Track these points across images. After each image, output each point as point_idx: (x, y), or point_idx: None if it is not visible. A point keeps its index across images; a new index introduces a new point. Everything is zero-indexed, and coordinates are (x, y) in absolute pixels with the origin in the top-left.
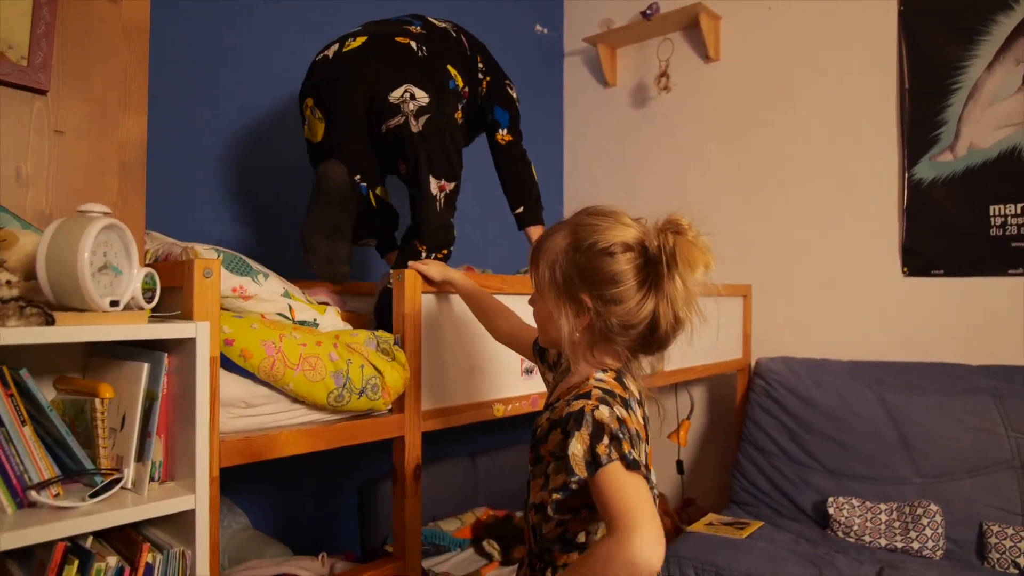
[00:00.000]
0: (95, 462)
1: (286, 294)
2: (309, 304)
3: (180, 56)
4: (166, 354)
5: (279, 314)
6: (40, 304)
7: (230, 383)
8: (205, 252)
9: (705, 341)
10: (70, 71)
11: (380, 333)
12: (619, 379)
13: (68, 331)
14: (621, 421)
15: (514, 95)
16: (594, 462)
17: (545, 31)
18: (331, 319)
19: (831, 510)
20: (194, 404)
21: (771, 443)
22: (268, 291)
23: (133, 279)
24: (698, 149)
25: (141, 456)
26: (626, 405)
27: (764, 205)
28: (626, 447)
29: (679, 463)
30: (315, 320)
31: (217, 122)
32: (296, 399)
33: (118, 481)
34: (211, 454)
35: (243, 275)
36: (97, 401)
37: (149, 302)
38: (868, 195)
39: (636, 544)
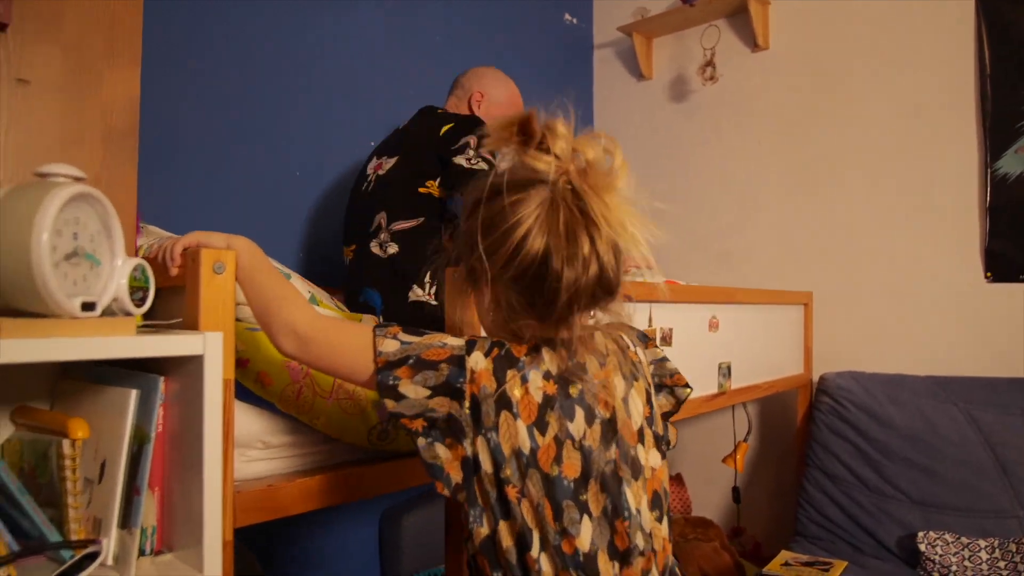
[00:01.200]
0: (62, 528)
1: (312, 299)
2: (340, 312)
3: (182, 13)
4: (162, 378)
5: None
6: None
7: (244, 416)
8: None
9: (763, 355)
10: (37, 4)
11: None
12: (536, 350)
13: (14, 347)
14: (460, 362)
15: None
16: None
17: (574, 21)
18: None
19: (923, 547)
20: (201, 445)
21: (843, 469)
22: None
23: (116, 273)
24: (745, 146)
25: (127, 520)
26: (514, 366)
27: (823, 206)
28: (417, 387)
29: (735, 490)
30: None
31: (225, 98)
32: (327, 436)
33: (94, 557)
34: (224, 512)
35: None
36: (66, 443)
37: (139, 305)
38: (943, 193)
39: (288, 342)
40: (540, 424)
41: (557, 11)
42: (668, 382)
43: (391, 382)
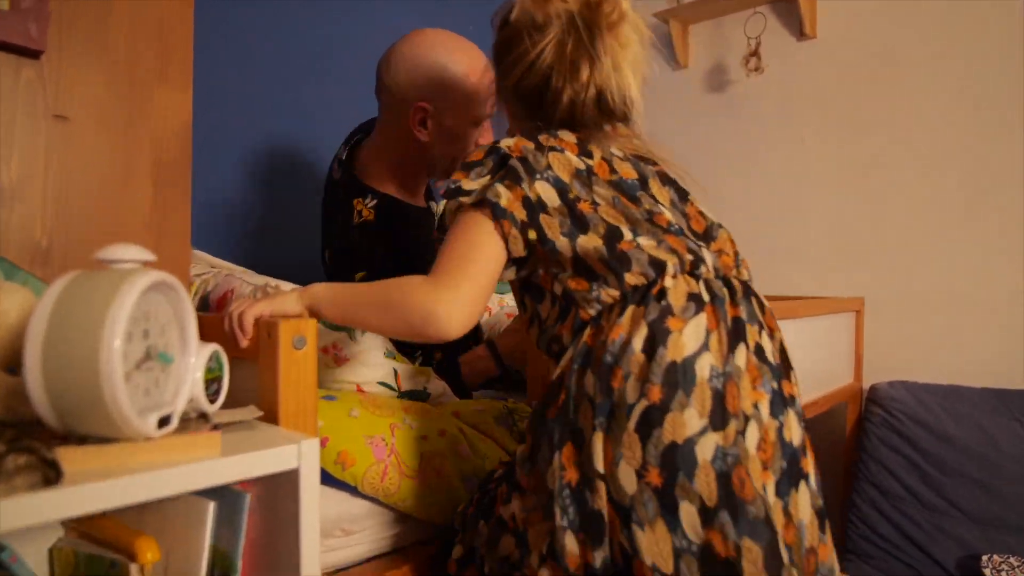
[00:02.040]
0: None
1: (389, 353)
2: (415, 366)
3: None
4: (248, 494)
5: (382, 383)
6: (31, 444)
7: (323, 503)
8: (284, 288)
9: (816, 368)
10: (77, 21)
11: (512, 403)
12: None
13: (85, 494)
14: (496, 149)
15: None
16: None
17: None
18: (438, 382)
19: (987, 571)
20: (297, 562)
21: (897, 484)
22: (368, 350)
23: (191, 369)
24: (790, 141)
25: None
26: (542, 131)
27: (874, 205)
28: (476, 180)
29: None
30: (424, 388)
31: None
32: (407, 514)
33: None
34: None
35: (336, 327)
36: (133, 569)
37: (214, 400)
38: (1005, 193)
39: (432, 300)
40: (584, 151)
41: None
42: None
43: (451, 186)
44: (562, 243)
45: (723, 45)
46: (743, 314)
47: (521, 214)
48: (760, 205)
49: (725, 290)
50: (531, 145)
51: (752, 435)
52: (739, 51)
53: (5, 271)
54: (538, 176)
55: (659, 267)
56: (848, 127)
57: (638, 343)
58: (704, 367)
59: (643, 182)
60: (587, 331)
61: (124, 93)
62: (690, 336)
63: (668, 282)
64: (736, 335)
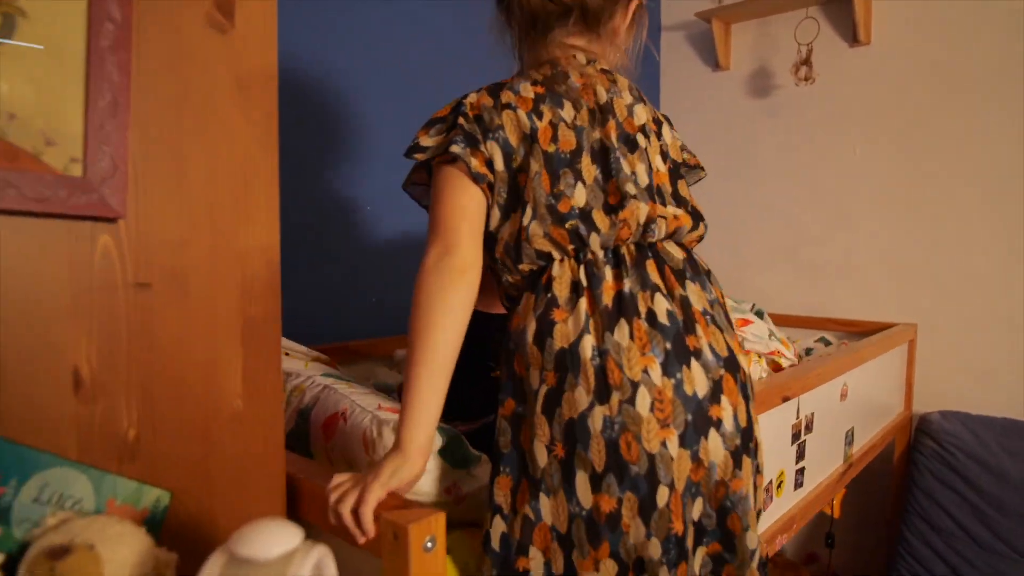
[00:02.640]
0: None
1: None
2: None
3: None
4: None
5: None
6: None
7: None
8: (387, 420)
9: (871, 404)
10: (154, 178)
11: None
12: (520, 74)
13: None
14: (459, 106)
15: None
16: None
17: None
18: None
19: None
20: None
21: (950, 521)
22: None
23: None
24: (839, 151)
25: None
26: (503, 86)
27: (928, 223)
28: (434, 137)
29: (829, 536)
30: None
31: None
32: None
33: None
34: None
35: (459, 467)
36: None
37: None
38: None
39: (427, 260)
40: (536, 111)
41: None
42: (690, 160)
43: (411, 145)
44: (494, 215)
45: (768, 47)
46: (629, 285)
47: (486, 175)
48: (805, 217)
49: (607, 268)
50: (490, 102)
51: (643, 399)
52: (785, 54)
53: (93, 481)
54: (490, 136)
55: (545, 256)
56: (902, 140)
57: (530, 335)
58: (587, 348)
59: (576, 154)
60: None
61: (207, 245)
62: (572, 324)
63: (555, 270)
64: (616, 312)
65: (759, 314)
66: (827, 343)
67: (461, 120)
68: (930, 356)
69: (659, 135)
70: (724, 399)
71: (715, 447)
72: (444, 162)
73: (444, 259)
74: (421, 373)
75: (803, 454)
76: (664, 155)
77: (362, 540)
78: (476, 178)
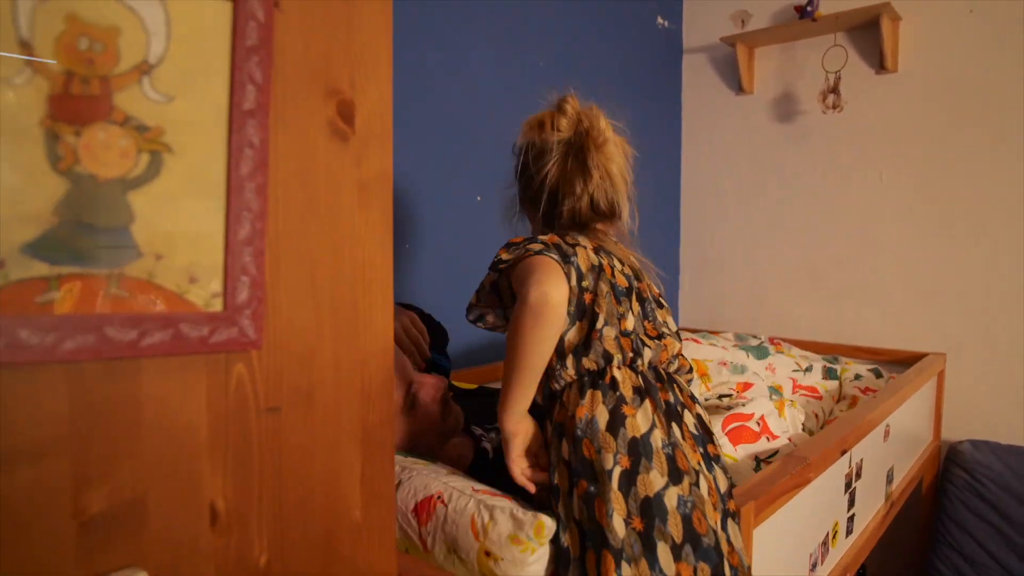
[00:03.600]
0: None
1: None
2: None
3: None
4: None
5: None
6: None
7: None
8: (494, 505)
9: (904, 436)
10: (285, 285)
11: None
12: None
13: None
14: (534, 239)
15: None
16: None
17: (666, 24)
18: None
19: None
20: None
21: (983, 553)
22: None
23: None
24: (865, 178)
25: None
26: (570, 245)
27: (955, 249)
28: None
29: (862, 569)
30: None
31: None
32: None
33: None
34: None
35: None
36: None
37: None
38: None
39: (524, 297)
40: (598, 252)
41: (651, 15)
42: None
43: (494, 260)
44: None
45: (793, 71)
46: (671, 398)
47: (573, 280)
48: (830, 242)
49: (656, 381)
50: (559, 240)
51: (704, 485)
52: (810, 79)
53: None
54: (569, 260)
55: (608, 358)
56: (928, 165)
57: (602, 423)
58: (657, 440)
59: (628, 292)
60: (556, 407)
61: (331, 356)
62: (641, 419)
63: (616, 374)
64: (670, 415)
65: (760, 351)
66: (879, 374)
67: (539, 244)
68: (957, 383)
69: (661, 304)
70: (733, 496)
71: (734, 535)
72: (532, 253)
73: (545, 293)
74: (523, 379)
75: (853, 501)
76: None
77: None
78: (566, 261)
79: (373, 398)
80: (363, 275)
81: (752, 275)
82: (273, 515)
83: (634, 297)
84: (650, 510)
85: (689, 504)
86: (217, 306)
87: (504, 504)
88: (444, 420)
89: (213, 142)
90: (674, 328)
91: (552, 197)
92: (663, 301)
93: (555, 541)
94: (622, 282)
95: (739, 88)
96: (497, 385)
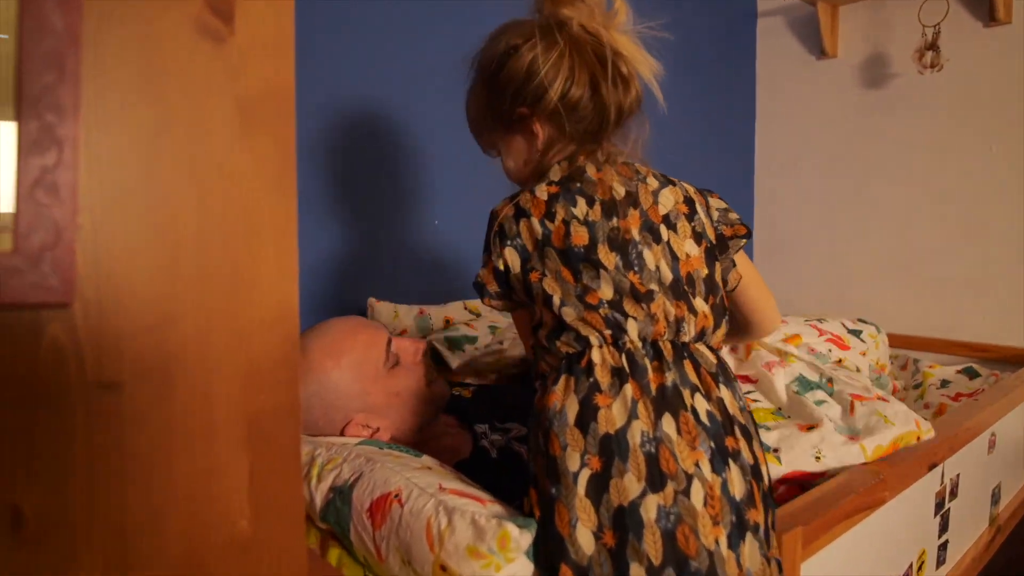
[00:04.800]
0: None
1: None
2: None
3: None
4: None
5: None
6: None
7: None
8: (456, 508)
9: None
10: (120, 227)
11: None
12: (541, 176)
13: None
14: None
15: None
16: None
17: None
18: None
19: None
20: None
21: None
22: None
23: None
24: (972, 150)
25: None
26: (524, 189)
27: None
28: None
29: None
30: None
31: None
32: None
33: None
34: None
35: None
36: None
37: None
38: None
39: None
40: (548, 214)
41: None
42: (728, 231)
43: (478, 287)
44: (535, 311)
45: (884, 30)
46: (671, 380)
47: (493, 286)
48: (927, 225)
49: (647, 360)
50: (511, 211)
51: (697, 493)
52: (904, 36)
53: None
54: (508, 242)
55: (583, 341)
56: None
57: (571, 415)
58: (635, 434)
59: (591, 247)
60: (538, 392)
61: (196, 323)
62: (618, 410)
63: (595, 355)
64: (662, 402)
65: (856, 333)
66: (973, 374)
67: (492, 237)
68: None
69: (691, 216)
70: (759, 504)
71: (751, 552)
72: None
73: None
74: None
75: (947, 525)
76: (698, 236)
77: None
78: (483, 294)
79: (264, 380)
80: (245, 223)
81: (831, 262)
82: (110, 527)
83: (603, 246)
84: (623, 522)
85: (672, 517)
86: (3, 244)
87: (468, 507)
88: (429, 384)
89: None
90: (671, 277)
91: (589, 102)
92: (675, 222)
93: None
94: (579, 239)
95: (820, 52)
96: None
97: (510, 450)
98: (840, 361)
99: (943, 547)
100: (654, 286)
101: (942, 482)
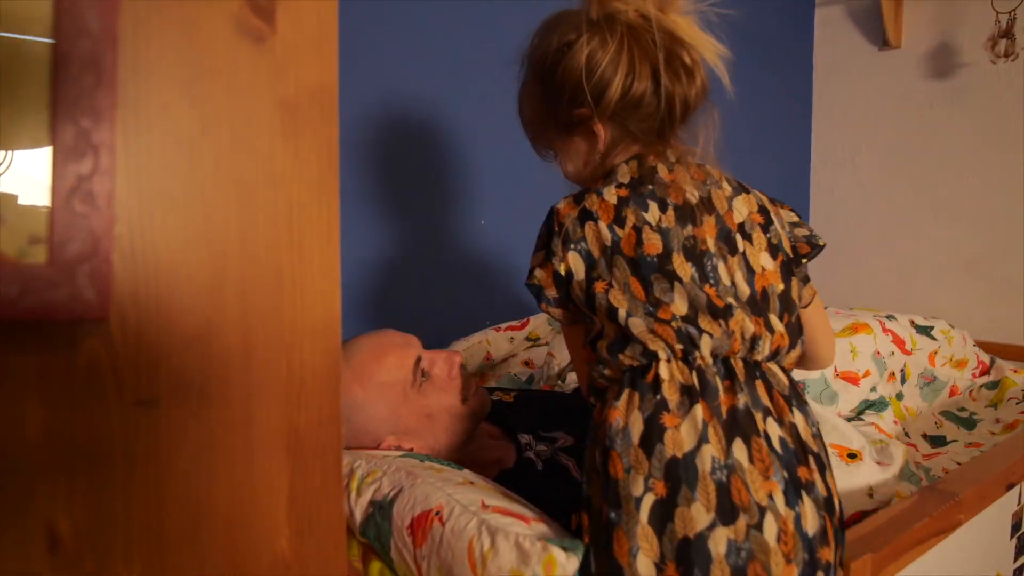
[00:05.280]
0: None
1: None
2: None
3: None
4: None
5: None
6: None
7: None
8: (499, 528)
9: None
10: (160, 235)
11: None
12: (609, 176)
13: None
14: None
15: None
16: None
17: None
18: None
19: None
20: None
21: None
22: None
23: None
24: None
25: None
26: (590, 191)
27: None
28: (537, 254)
29: None
30: None
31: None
32: None
33: None
34: None
35: None
36: None
37: None
38: None
39: None
40: (618, 219)
41: None
42: (804, 248)
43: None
44: (596, 323)
45: (952, 18)
46: (743, 402)
47: (552, 291)
48: (996, 226)
49: (718, 378)
50: (575, 212)
51: (770, 527)
52: (975, 26)
53: None
54: (572, 246)
55: (650, 354)
56: None
57: (635, 435)
58: (705, 460)
59: (665, 257)
60: (597, 406)
61: (236, 335)
62: (687, 432)
63: (663, 370)
64: (733, 426)
65: (926, 331)
66: None
67: (553, 240)
68: None
69: (766, 227)
70: (831, 541)
71: None
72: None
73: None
74: None
75: (1023, 548)
76: (774, 249)
77: None
78: (541, 299)
79: (307, 393)
80: (290, 228)
81: (893, 262)
82: (149, 544)
83: (678, 256)
84: (688, 556)
85: (744, 553)
86: (38, 256)
87: (512, 527)
88: (465, 399)
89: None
90: (748, 291)
91: (651, 98)
92: (750, 232)
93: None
94: (652, 247)
95: (883, 42)
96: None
97: (556, 462)
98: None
99: (1019, 571)
100: (731, 300)
101: (1020, 502)
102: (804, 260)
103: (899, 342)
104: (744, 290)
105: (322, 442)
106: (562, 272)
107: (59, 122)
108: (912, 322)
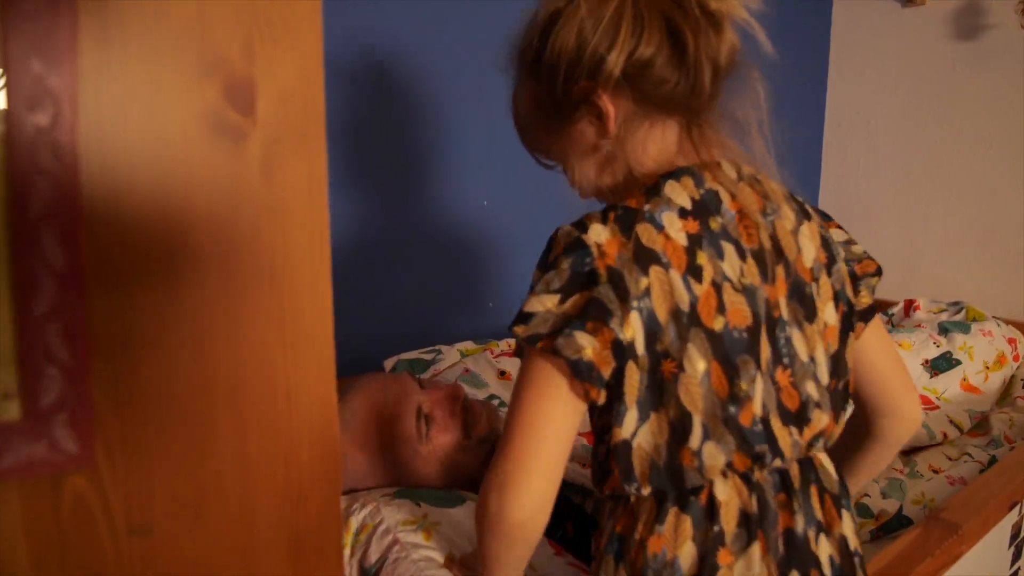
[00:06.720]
0: None
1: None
2: None
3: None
4: None
5: None
6: None
7: None
8: None
9: None
10: (144, 359)
11: None
12: (654, 191)
13: None
14: (579, 250)
15: None
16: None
17: None
18: None
19: None
20: None
21: None
22: None
23: None
24: None
25: None
26: (641, 218)
27: None
28: (545, 295)
29: None
30: None
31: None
32: None
33: None
34: None
35: None
36: None
37: None
38: None
39: (486, 487)
40: (693, 270)
41: None
42: (858, 269)
43: (518, 311)
44: (630, 416)
45: None
46: (800, 524)
47: (608, 367)
48: (1020, 193)
49: (773, 493)
50: (628, 252)
51: None
52: None
53: None
54: (632, 305)
55: (707, 480)
56: None
57: (685, 569)
58: None
59: (756, 331)
60: (619, 510)
61: (229, 456)
62: (741, 571)
63: (719, 491)
64: (789, 561)
65: (944, 329)
66: None
67: (598, 290)
68: None
69: (830, 267)
70: None
71: None
72: (545, 350)
73: (505, 503)
74: None
75: (1020, 553)
76: (836, 297)
77: None
78: (580, 373)
79: (305, 493)
80: (284, 331)
81: (906, 232)
82: None
83: (763, 336)
84: None
85: None
86: (11, 412)
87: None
88: (468, 434)
89: None
90: (827, 379)
91: (671, 53)
92: (819, 279)
93: None
94: (739, 317)
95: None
96: None
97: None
98: None
99: None
100: (811, 388)
101: (1021, 513)
102: (870, 286)
103: (925, 400)
104: (824, 376)
105: (325, 540)
106: (624, 341)
107: (19, 257)
108: (926, 361)
